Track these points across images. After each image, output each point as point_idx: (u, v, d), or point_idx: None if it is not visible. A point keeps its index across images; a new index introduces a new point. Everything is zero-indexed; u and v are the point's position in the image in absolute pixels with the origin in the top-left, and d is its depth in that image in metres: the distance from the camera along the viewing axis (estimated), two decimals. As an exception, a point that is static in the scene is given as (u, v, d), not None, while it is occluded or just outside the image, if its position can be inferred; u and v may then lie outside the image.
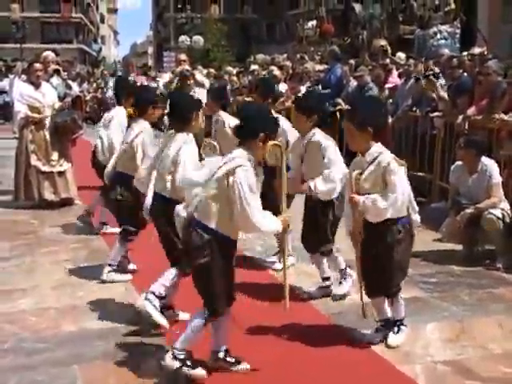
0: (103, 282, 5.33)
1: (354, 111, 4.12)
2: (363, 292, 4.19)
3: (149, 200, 4.58)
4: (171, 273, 4.37)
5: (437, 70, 8.69)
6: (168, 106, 4.74)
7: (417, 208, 4.15)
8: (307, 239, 4.98)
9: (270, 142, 3.68)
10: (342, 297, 5.01)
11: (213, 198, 3.57)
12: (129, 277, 5.46)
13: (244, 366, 3.85)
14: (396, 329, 4.23)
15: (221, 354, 3.83)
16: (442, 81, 8.42)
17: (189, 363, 3.67)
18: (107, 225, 6.89)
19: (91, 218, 7.10)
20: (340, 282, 5.07)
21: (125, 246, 5.40)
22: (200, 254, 3.57)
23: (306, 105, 4.85)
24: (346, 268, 5.05)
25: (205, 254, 3.56)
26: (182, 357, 3.65)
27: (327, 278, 5.08)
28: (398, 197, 3.88)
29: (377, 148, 3.99)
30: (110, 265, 5.39)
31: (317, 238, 4.88)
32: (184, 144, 4.36)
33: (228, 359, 3.84)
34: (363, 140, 3.98)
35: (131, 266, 5.62)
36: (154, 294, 4.29)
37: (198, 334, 3.69)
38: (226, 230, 3.60)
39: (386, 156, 3.96)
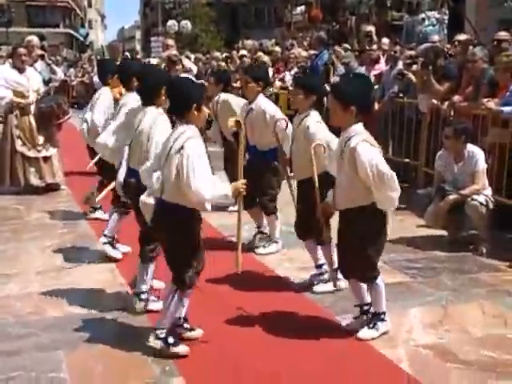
0: (90, 262, 5.48)
1: (338, 88, 4.07)
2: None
3: (121, 175, 4.55)
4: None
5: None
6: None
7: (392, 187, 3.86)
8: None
9: (232, 119, 3.91)
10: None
11: (174, 173, 3.64)
12: (119, 255, 5.53)
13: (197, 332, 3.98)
14: (372, 324, 4.12)
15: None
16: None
17: (171, 341, 3.79)
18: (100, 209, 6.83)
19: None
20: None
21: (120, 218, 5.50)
22: (173, 230, 3.69)
23: (306, 82, 4.79)
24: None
25: (177, 230, 3.69)
26: (163, 336, 3.79)
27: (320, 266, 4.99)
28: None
29: (355, 128, 3.92)
30: (105, 235, 5.55)
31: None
32: (156, 120, 4.31)
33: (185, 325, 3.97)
34: (345, 118, 3.94)
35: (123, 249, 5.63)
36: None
37: (176, 309, 3.81)
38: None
39: (358, 138, 3.86)
